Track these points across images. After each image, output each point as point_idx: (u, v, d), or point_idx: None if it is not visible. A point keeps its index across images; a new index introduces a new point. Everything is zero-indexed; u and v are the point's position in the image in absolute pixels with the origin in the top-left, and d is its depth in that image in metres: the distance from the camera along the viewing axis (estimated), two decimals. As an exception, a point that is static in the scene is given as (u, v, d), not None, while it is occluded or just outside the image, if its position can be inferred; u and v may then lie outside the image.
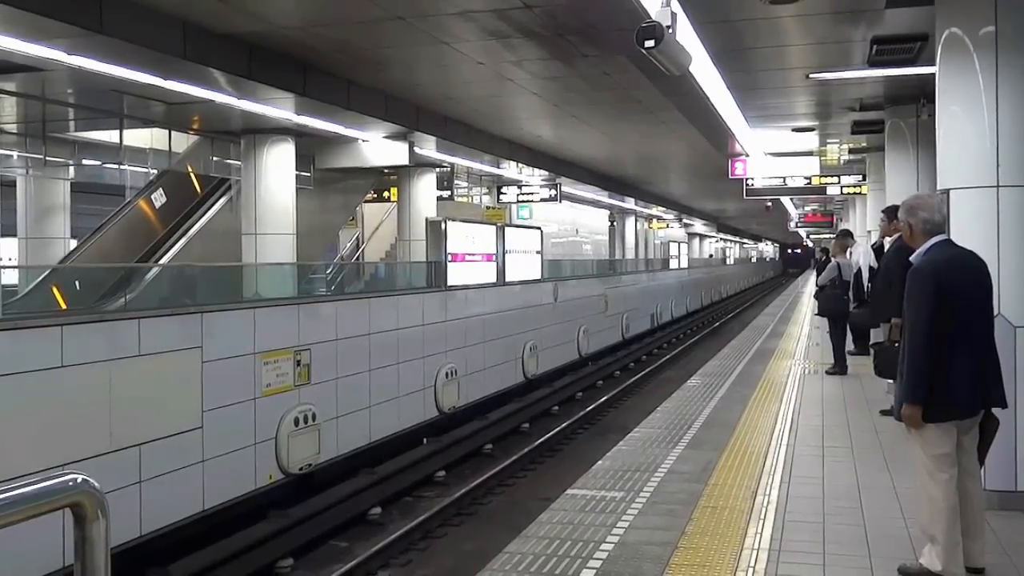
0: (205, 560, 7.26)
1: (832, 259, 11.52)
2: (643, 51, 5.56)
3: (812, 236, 49.29)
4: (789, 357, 13.24)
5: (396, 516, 9.28)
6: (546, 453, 11.94)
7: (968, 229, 5.19)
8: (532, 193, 19.79)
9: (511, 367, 14.70)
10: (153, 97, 9.82)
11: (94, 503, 1.58)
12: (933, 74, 5.78)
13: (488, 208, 21.22)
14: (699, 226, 45.24)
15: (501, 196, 20.08)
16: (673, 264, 33.62)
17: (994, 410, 4.05)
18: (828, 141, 15.10)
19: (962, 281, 4.01)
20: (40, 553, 5.81)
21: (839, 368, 10.90)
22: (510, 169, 18.30)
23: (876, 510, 5.26)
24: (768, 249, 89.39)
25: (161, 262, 12.95)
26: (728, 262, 57.44)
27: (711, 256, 51.01)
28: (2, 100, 10.70)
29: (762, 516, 5.14)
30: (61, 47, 7.27)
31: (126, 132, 11.71)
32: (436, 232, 12.88)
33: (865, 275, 12.17)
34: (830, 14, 7.46)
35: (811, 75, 9.50)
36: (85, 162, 14.63)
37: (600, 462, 6.60)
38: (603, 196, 25.61)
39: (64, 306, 10.51)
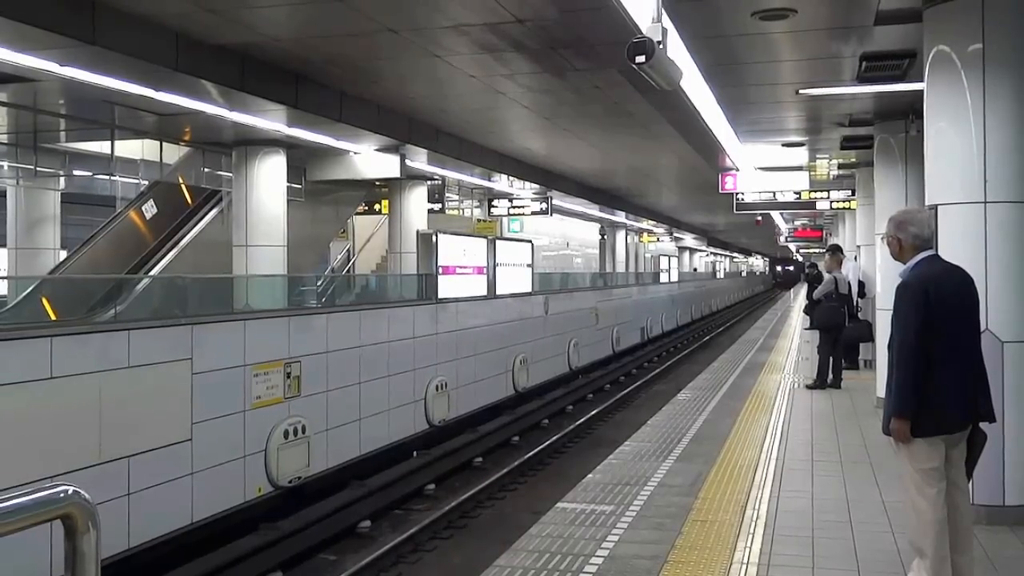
0: (194, 572, 7.23)
1: (828, 273, 11.63)
2: (634, 66, 5.59)
3: (802, 250, 49.37)
4: (779, 371, 13.27)
5: (386, 529, 9.24)
6: (536, 466, 11.92)
7: (956, 244, 5.23)
8: (523, 206, 19.81)
9: (501, 380, 14.69)
10: (145, 108, 9.81)
11: (85, 515, 1.58)
12: (921, 91, 5.83)
13: (479, 221, 21.23)
14: (689, 240, 45.34)
15: (492, 209, 20.11)
16: (663, 278, 33.67)
17: (982, 424, 4.07)
18: (818, 156, 15.16)
19: (950, 296, 4.04)
20: (28, 565, 5.77)
21: (820, 381, 10.96)
22: (501, 182, 18.33)
23: (865, 524, 5.28)
24: (759, 263, 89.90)
25: (152, 273, 12.91)
26: (719, 275, 57.63)
27: (695, 270, 51.07)
28: (-7, 110, 10.68)
29: (752, 530, 5.15)
30: (53, 58, 7.26)
31: (117, 143, 11.69)
32: (427, 244, 12.89)
33: (855, 290, 12.28)
34: (820, 31, 7.51)
35: (801, 91, 9.56)
36: (76, 173, 14.61)
37: (590, 475, 6.60)
38: (594, 209, 25.64)
39: (54, 317, 10.47)
